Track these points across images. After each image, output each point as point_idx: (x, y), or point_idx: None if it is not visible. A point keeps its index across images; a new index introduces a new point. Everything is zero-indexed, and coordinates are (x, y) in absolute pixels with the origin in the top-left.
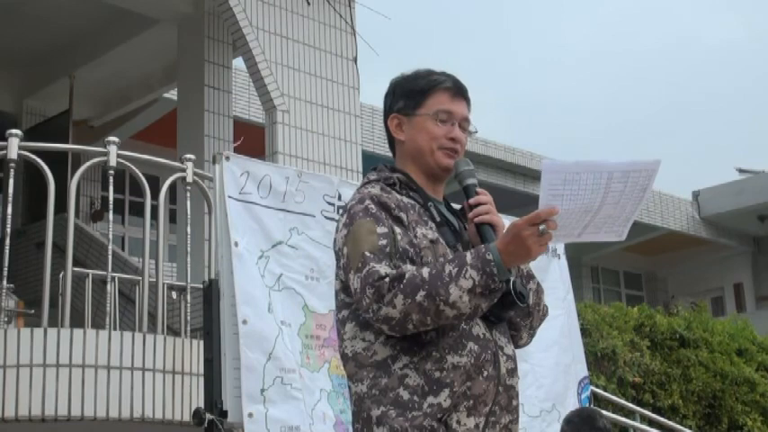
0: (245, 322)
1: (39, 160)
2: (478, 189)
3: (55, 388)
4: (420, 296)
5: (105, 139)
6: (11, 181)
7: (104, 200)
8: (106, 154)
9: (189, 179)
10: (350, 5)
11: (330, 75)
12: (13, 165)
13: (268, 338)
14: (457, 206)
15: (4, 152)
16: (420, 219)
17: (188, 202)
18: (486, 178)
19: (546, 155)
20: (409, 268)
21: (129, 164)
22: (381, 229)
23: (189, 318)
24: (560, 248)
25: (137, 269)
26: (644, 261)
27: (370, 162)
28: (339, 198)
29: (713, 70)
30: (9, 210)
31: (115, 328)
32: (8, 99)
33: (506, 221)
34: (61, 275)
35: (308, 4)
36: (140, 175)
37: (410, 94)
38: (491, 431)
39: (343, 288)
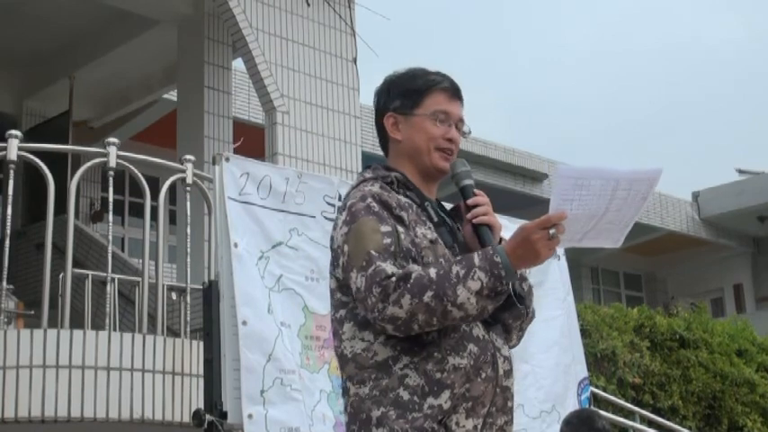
0: (244, 323)
1: (38, 161)
2: (475, 190)
3: (55, 389)
4: (427, 296)
5: (105, 139)
6: (11, 182)
7: (104, 201)
8: (106, 155)
9: (189, 180)
10: (349, 6)
11: (330, 76)
12: (12, 166)
13: (268, 339)
14: (448, 206)
15: (4, 153)
16: (418, 218)
17: (188, 203)
18: (485, 179)
19: (546, 155)
20: (415, 268)
21: (128, 165)
22: (385, 228)
23: (189, 319)
24: (560, 250)
25: (136, 270)
26: (644, 262)
27: (370, 163)
28: (339, 199)
29: (713, 70)
30: (9, 211)
31: (115, 329)
32: (8, 100)
33: (506, 222)
34: (61, 276)
35: (308, 5)
36: (140, 175)
37: (407, 93)
38: None
39: (339, 287)
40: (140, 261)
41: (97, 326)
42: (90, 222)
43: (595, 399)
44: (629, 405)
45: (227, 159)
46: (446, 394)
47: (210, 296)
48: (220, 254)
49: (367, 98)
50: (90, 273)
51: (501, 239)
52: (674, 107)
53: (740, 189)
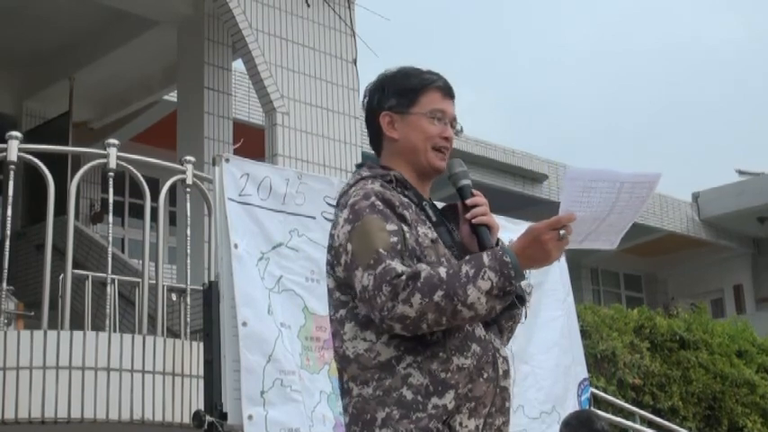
0: (244, 324)
1: (38, 162)
2: (473, 190)
3: (55, 390)
4: (438, 296)
5: (105, 141)
6: (11, 183)
7: (104, 202)
8: (106, 156)
9: (189, 181)
10: (349, 7)
11: (330, 77)
12: (12, 167)
13: (268, 340)
14: (439, 205)
15: (4, 154)
16: (418, 218)
17: (188, 204)
18: (484, 180)
19: (546, 156)
20: (424, 267)
21: (128, 166)
22: (391, 227)
23: (189, 320)
24: None
25: (136, 271)
26: (644, 263)
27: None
28: None
29: (713, 70)
30: (9, 212)
31: (115, 330)
32: (8, 101)
33: (504, 223)
34: (61, 277)
35: (308, 5)
36: (140, 176)
37: (403, 91)
38: None
39: (339, 286)
40: (140, 262)
41: (97, 327)
42: (90, 223)
43: (595, 400)
44: (629, 406)
45: (227, 160)
46: (450, 394)
47: (210, 297)
48: (220, 255)
49: None
50: (90, 274)
51: (498, 240)
52: (674, 107)
53: (740, 190)
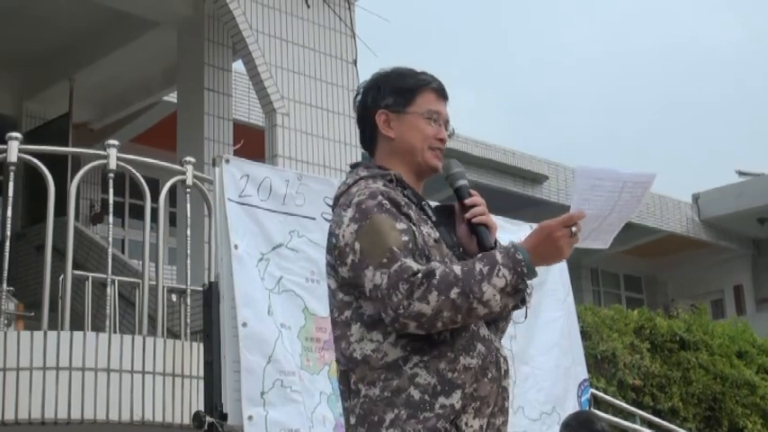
0: (244, 325)
1: (39, 163)
2: (471, 190)
3: (55, 391)
4: (454, 293)
5: (105, 141)
6: (11, 184)
7: (104, 203)
8: (106, 157)
9: (189, 182)
10: (349, 8)
11: (330, 77)
12: (13, 168)
13: (268, 341)
14: (433, 204)
15: (4, 155)
16: (420, 217)
17: (188, 205)
18: (485, 180)
19: (545, 157)
20: (438, 265)
21: (128, 167)
22: (401, 226)
23: (189, 320)
24: None
25: (137, 272)
26: (644, 264)
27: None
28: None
29: (713, 70)
30: (9, 212)
31: (115, 331)
32: (8, 102)
33: (501, 223)
34: (61, 278)
35: (308, 6)
36: (140, 177)
37: (399, 91)
38: None
39: (341, 286)
40: (140, 263)
41: (97, 328)
42: (90, 224)
43: (595, 400)
44: (629, 407)
45: (228, 161)
46: (458, 394)
47: (210, 298)
48: (220, 255)
49: None
50: (90, 274)
51: (496, 240)
52: (674, 107)
53: (740, 191)
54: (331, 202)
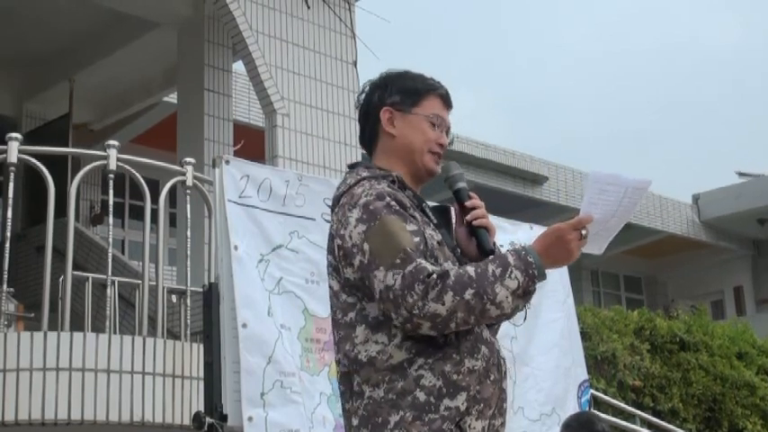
0: (244, 326)
1: (39, 164)
2: (470, 193)
3: (55, 392)
4: (468, 294)
5: (105, 142)
6: (11, 184)
7: (104, 203)
8: (106, 157)
9: (189, 183)
10: (349, 9)
11: (330, 78)
12: (13, 168)
13: (268, 342)
14: (431, 203)
15: (4, 156)
16: (423, 219)
17: (188, 206)
18: (484, 181)
19: (546, 158)
20: (451, 266)
21: (129, 167)
22: (411, 227)
23: (189, 321)
24: None
25: (137, 273)
26: (644, 264)
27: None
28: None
29: (712, 70)
30: (9, 213)
31: (115, 332)
32: (8, 102)
33: (503, 224)
34: (61, 279)
35: (308, 7)
36: (140, 178)
37: (407, 91)
38: None
39: (344, 287)
40: (140, 264)
41: (97, 328)
42: (90, 225)
43: (596, 401)
44: (629, 408)
45: (228, 162)
46: (462, 396)
47: (210, 299)
48: (220, 256)
49: None
50: (90, 275)
51: (494, 243)
52: (673, 108)
53: (740, 192)
54: (331, 203)
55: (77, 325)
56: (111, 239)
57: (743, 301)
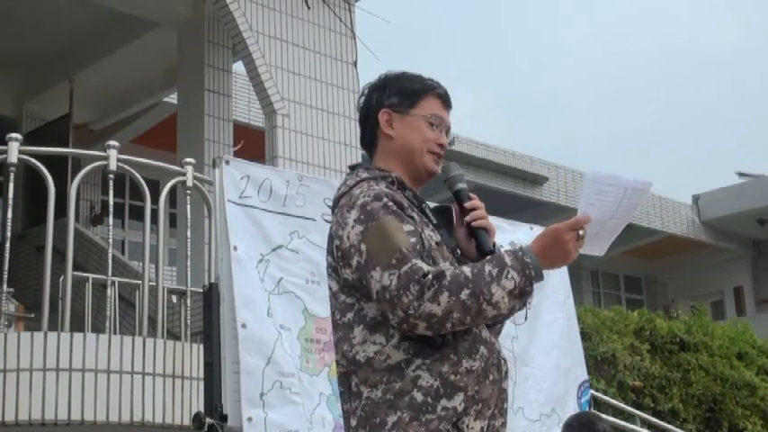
0: (244, 326)
1: (39, 164)
2: (470, 194)
3: (55, 392)
4: (464, 294)
5: (105, 142)
6: (11, 185)
7: (104, 204)
8: (106, 158)
9: (189, 183)
10: (349, 9)
11: (330, 78)
12: (13, 169)
13: (267, 342)
14: (432, 204)
15: (5, 156)
16: (422, 220)
17: (188, 206)
18: (484, 182)
19: (546, 158)
20: (447, 266)
21: (129, 168)
22: (408, 228)
23: (189, 322)
24: None
25: (137, 273)
26: (644, 265)
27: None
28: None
29: (712, 71)
30: (9, 214)
31: (115, 332)
32: (8, 103)
33: (502, 225)
34: (61, 279)
35: (308, 7)
36: (140, 178)
37: (405, 92)
38: None
39: (342, 288)
40: (140, 264)
41: (97, 329)
42: (90, 225)
43: (596, 402)
44: (629, 408)
45: (228, 162)
46: (460, 397)
47: (210, 299)
48: (220, 257)
49: None
50: (90, 276)
51: (494, 243)
52: (673, 108)
53: (740, 192)
54: (331, 204)
55: (77, 325)
56: (111, 240)
57: (743, 301)
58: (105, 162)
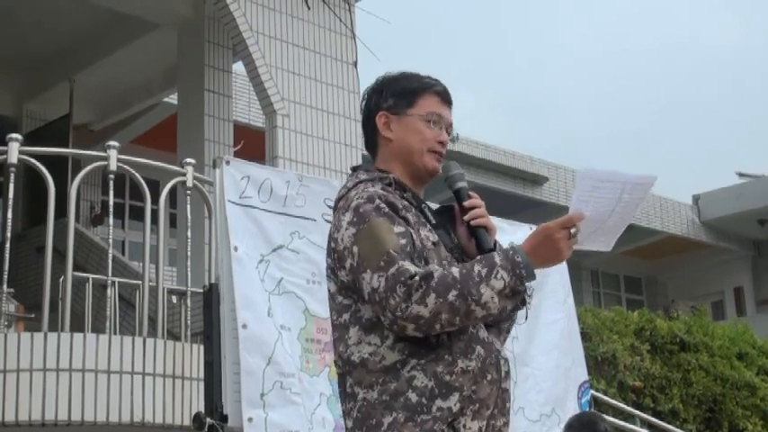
0: (244, 326)
1: (39, 164)
2: (470, 192)
3: (55, 392)
4: (452, 295)
5: (105, 143)
6: (11, 185)
7: (104, 204)
8: (106, 158)
9: (189, 183)
10: (349, 9)
11: (330, 79)
12: (13, 169)
13: (267, 343)
14: (434, 206)
15: (5, 156)
16: (419, 220)
17: (188, 207)
18: (484, 182)
19: (546, 158)
20: (436, 267)
21: (129, 168)
22: (399, 229)
23: (189, 322)
24: None
25: (137, 273)
26: (644, 265)
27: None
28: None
29: (712, 71)
30: (9, 214)
31: (115, 333)
32: (8, 103)
33: (502, 225)
34: (61, 280)
35: (308, 8)
36: (140, 179)
37: (401, 93)
38: None
39: (340, 290)
40: (141, 264)
41: (97, 329)
42: (90, 226)
43: (596, 402)
44: (629, 408)
45: (228, 162)
46: (455, 397)
47: (211, 299)
48: (221, 257)
49: None
50: (90, 276)
51: (495, 242)
52: (673, 108)
53: (740, 192)
54: (331, 204)
55: (77, 326)
56: (111, 240)
57: (743, 301)
58: (105, 162)
